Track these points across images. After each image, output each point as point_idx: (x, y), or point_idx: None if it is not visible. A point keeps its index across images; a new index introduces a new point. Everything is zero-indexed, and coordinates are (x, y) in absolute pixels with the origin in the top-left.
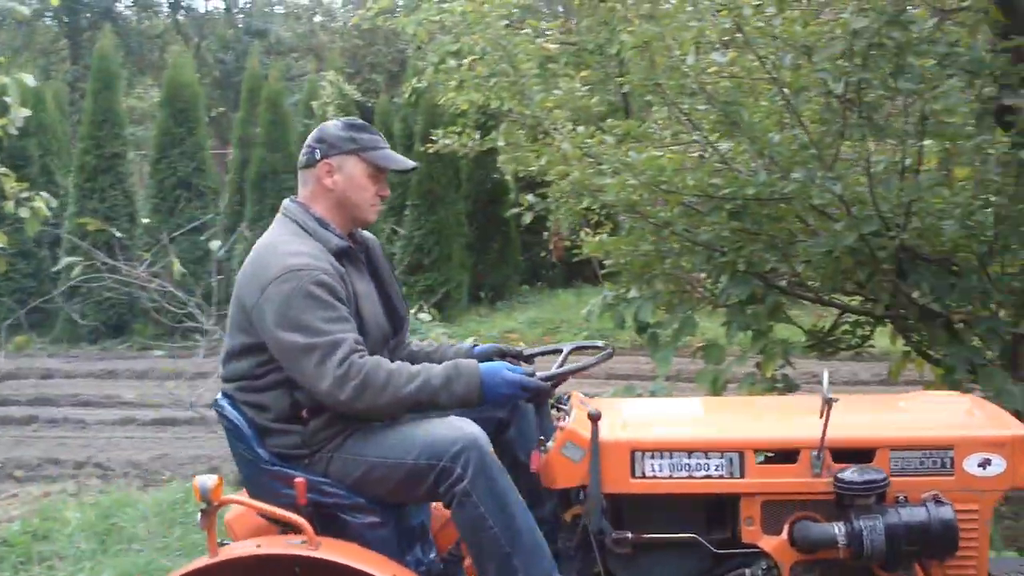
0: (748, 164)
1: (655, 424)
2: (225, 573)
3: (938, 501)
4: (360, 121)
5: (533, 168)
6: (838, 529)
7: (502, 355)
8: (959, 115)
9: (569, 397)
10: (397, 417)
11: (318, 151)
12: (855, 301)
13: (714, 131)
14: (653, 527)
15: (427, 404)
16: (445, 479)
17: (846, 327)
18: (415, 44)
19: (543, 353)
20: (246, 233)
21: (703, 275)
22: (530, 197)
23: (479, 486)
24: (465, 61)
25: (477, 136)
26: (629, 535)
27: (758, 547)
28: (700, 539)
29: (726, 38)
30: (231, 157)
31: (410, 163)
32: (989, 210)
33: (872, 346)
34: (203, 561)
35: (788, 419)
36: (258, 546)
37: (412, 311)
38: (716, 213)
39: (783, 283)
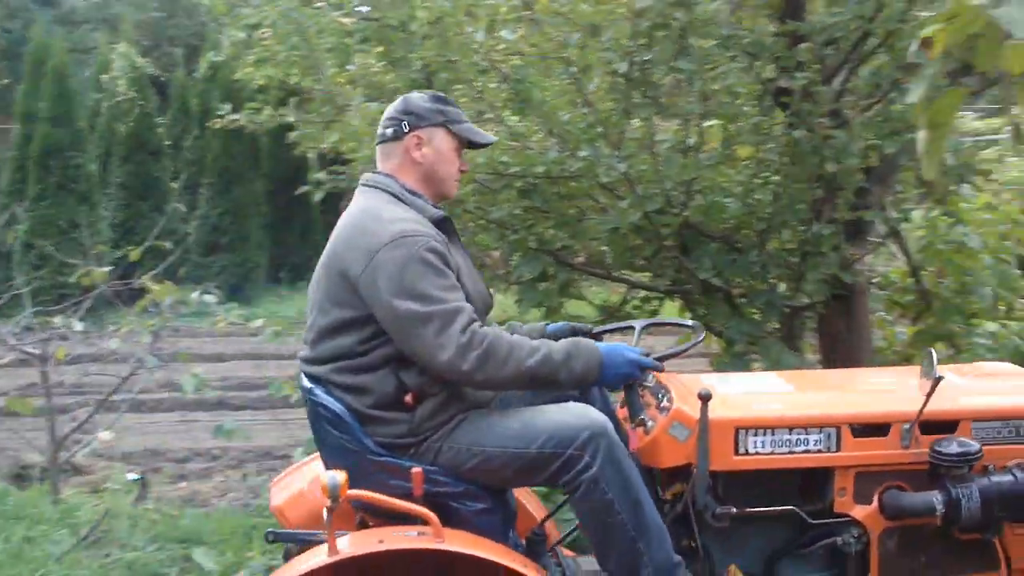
0: (541, 142)
1: (756, 402)
2: (347, 571)
3: (1022, 468)
4: (442, 94)
5: (324, 145)
6: (936, 497)
7: (573, 332)
8: (741, 96)
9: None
10: (512, 390)
11: (406, 123)
12: (645, 277)
13: (506, 108)
14: (753, 501)
15: (545, 380)
16: (572, 467)
17: (636, 302)
18: (212, 17)
19: (613, 330)
20: (19, 211)
21: (497, 253)
22: (321, 175)
23: (607, 473)
24: (259, 34)
25: (270, 112)
26: (733, 509)
27: (849, 516)
28: (797, 510)
29: (517, 15)
30: (13, 132)
31: (492, 138)
32: (769, 188)
33: None
34: (322, 559)
35: (879, 394)
36: (380, 541)
37: (195, 294)
38: (507, 191)
39: (578, 260)
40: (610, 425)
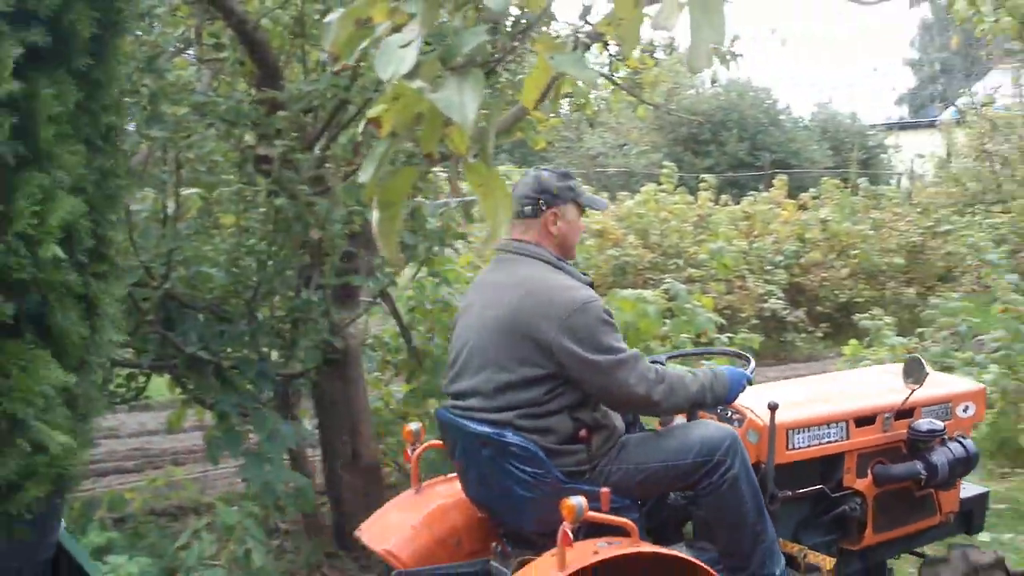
0: None
1: (796, 407)
2: None
3: (963, 438)
4: (564, 170)
5: None
6: (917, 465)
7: None
8: (219, 163)
9: None
10: (677, 413)
11: (543, 201)
12: (128, 353)
13: None
14: (796, 485)
15: (699, 403)
16: (718, 470)
17: (120, 380)
18: None
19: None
20: None
21: None
22: None
23: (742, 473)
24: None
25: None
26: (789, 493)
27: (853, 488)
28: (824, 488)
29: None
30: None
31: (605, 203)
32: (254, 256)
33: (148, 397)
34: (556, 572)
35: (868, 394)
36: (595, 552)
37: None
38: None
39: None
40: (738, 435)
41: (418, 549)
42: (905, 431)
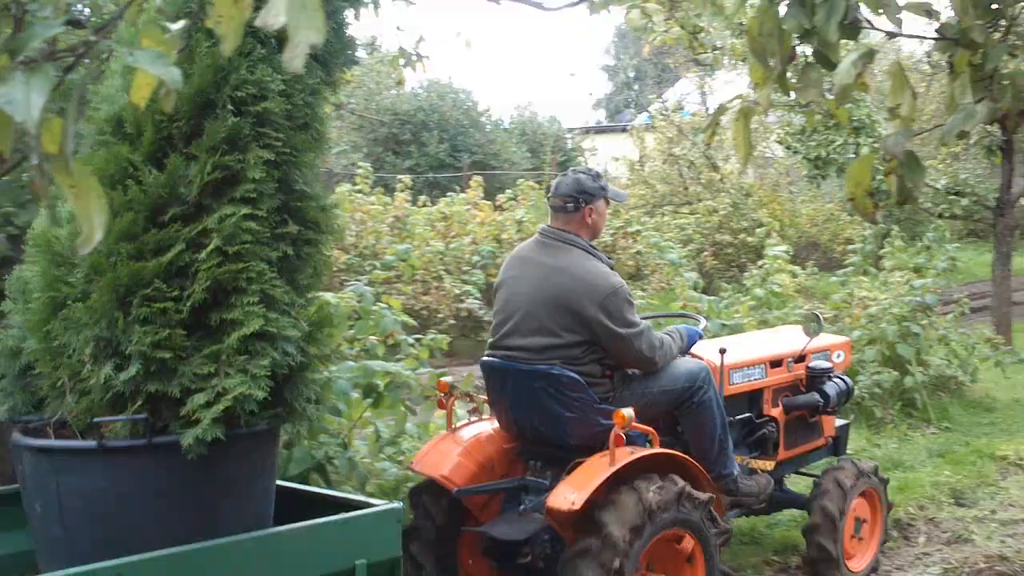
0: None
1: (732, 355)
2: (621, 473)
3: (842, 376)
4: (595, 171)
5: None
6: (815, 396)
7: None
8: None
9: None
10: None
11: (582, 201)
12: None
13: None
14: (734, 412)
15: (675, 357)
16: (697, 393)
17: None
18: None
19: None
20: None
21: None
22: None
23: (713, 396)
24: None
25: None
26: (730, 419)
27: (770, 415)
28: (751, 415)
29: None
30: None
31: (626, 195)
32: None
33: None
34: (608, 467)
35: (778, 344)
36: (631, 452)
37: None
38: None
39: None
40: (709, 368)
41: (465, 474)
42: (803, 371)
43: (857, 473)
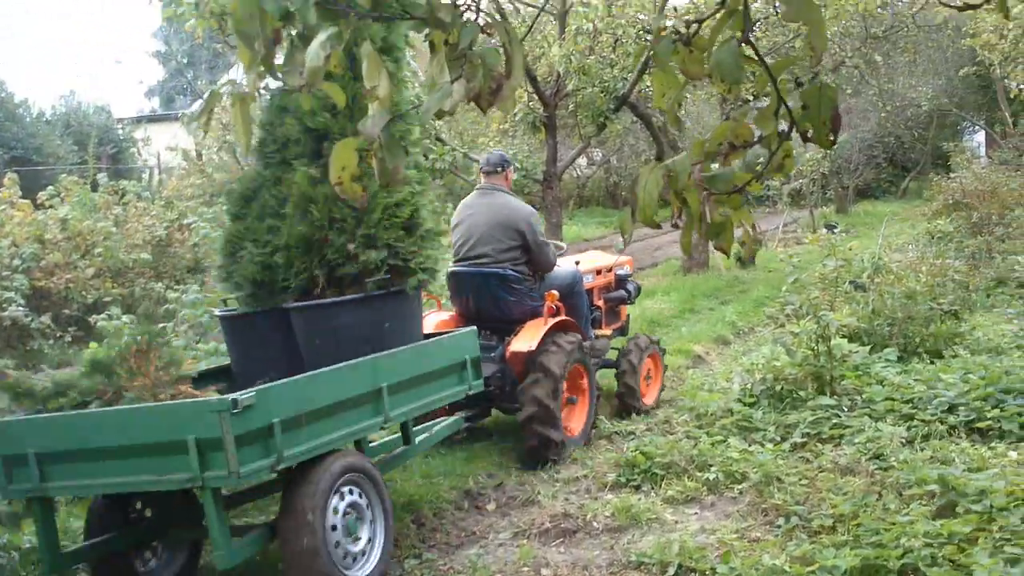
0: None
1: (582, 265)
2: (547, 332)
3: (633, 282)
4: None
5: None
6: (623, 292)
7: None
8: None
9: None
10: None
11: (503, 165)
12: None
13: None
14: (573, 314)
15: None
16: (575, 287)
17: None
18: None
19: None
20: None
21: None
22: None
23: (583, 290)
24: None
25: None
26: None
27: (597, 305)
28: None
29: None
30: None
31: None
32: None
33: None
34: (543, 326)
35: (597, 259)
36: (555, 319)
37: None
38: None
39: None
40: (579, 271)
41: None
42: (613, 277)
43: (647, 342)
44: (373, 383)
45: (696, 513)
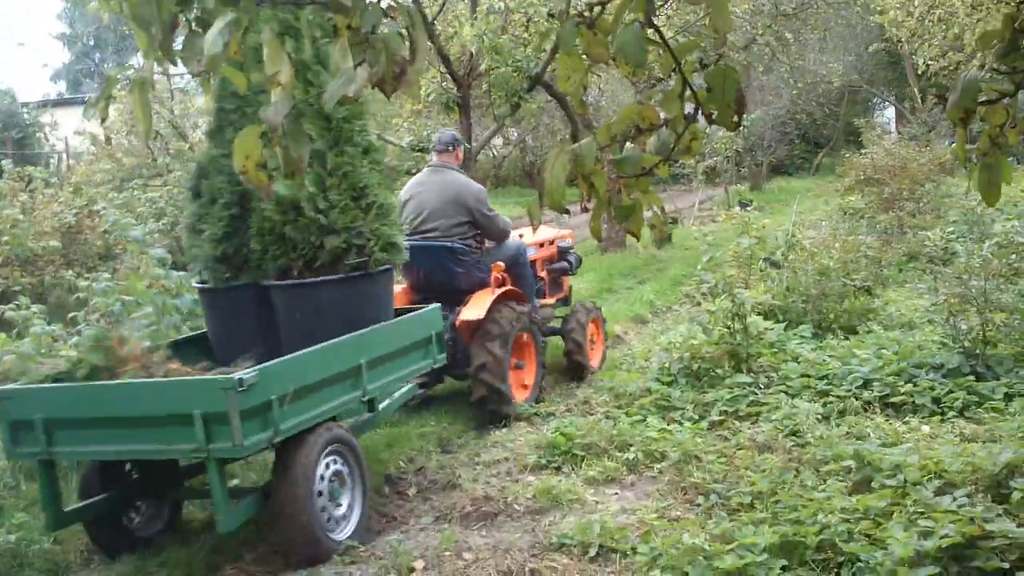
0: None
1: (525, 239)
2: (495, 300)
3: (574, 253)
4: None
5: None
6: (564, 263)
7: None
8: None
9: None
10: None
11: (454, 145)
12: None
13: None
14: (518, 284)
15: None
16: (519, 258)
17: None
18: None
19: None
20: None
21: None
22: None
23: (527, 259)
24: None
25: None
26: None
27: (540, 277)
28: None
29: None
30: None
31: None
32: None
33: None
34: (491, 295)
35: (542, 232)
36: (501, 289)
37: None
38: None
39: None
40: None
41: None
42: (555, 249)
43: (590, 308)
44: (355, 359)
45: (616, 493)
